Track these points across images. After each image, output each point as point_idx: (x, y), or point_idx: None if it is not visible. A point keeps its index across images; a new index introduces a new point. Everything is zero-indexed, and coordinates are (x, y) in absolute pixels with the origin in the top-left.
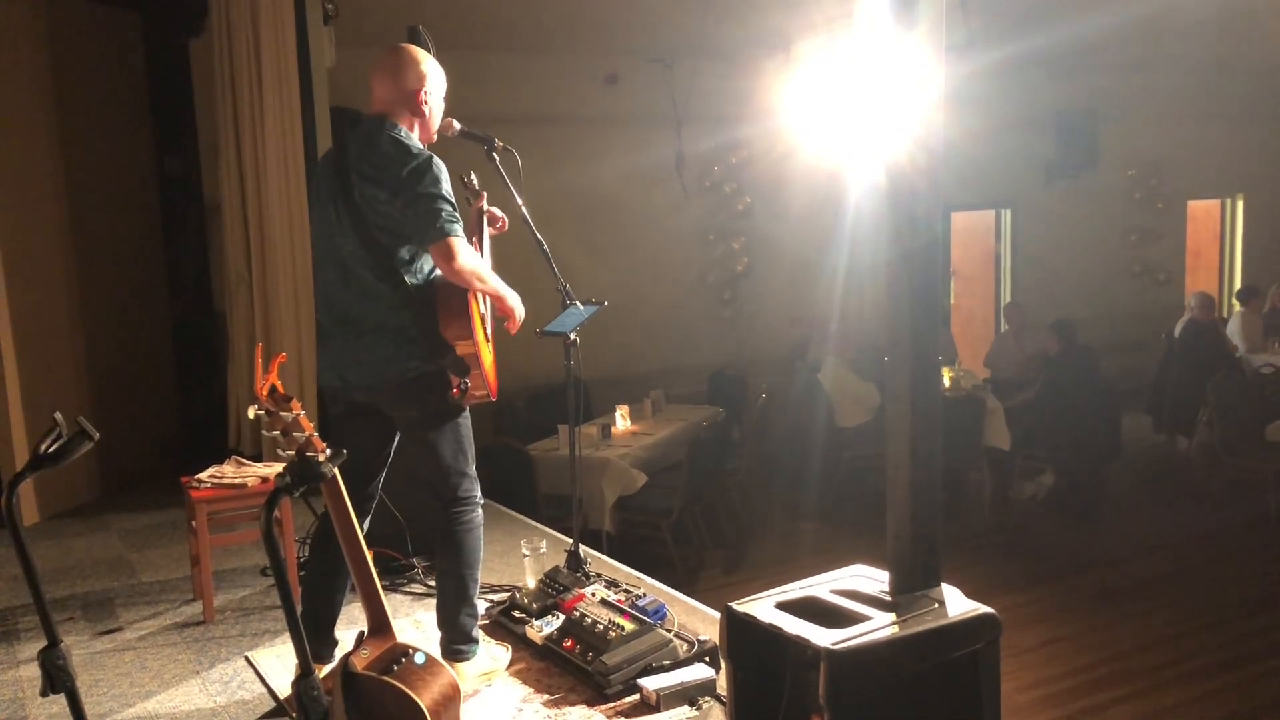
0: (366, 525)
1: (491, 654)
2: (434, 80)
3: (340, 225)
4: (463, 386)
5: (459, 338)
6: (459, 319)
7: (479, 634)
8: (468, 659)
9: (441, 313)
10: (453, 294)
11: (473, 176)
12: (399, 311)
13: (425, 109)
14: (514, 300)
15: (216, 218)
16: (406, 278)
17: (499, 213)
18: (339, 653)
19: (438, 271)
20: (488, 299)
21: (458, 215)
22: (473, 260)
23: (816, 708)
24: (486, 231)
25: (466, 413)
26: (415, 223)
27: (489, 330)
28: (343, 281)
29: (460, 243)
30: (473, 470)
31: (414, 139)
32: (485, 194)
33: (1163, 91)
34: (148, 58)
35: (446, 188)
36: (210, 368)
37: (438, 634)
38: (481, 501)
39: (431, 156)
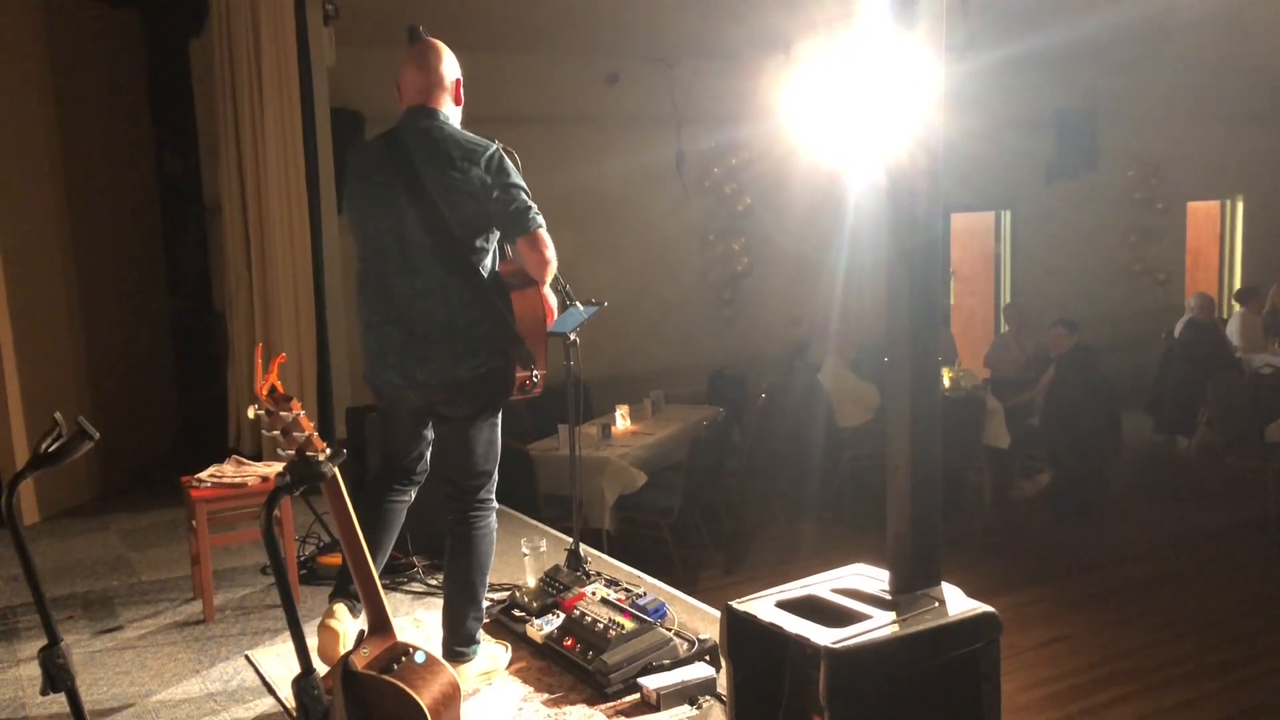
0: (413, 494)
1: (491, 654)
2: (460, 77)
3: (405, 221)
4: (533, 379)
5: (532, 334)
6: (534, 313)
7: (481, 635)
8: (469, 660)
9: (517, 306)
10: (529, 290)
11: None
12: (469, 306)
13: (461, 98)
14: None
15: (216, 218)
16: (478, 269)
17: None
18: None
19: (495, 265)
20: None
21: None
22: (553, 253)
23: (816, 707)
24: None
25: (500, 416)
26: (502, 214)
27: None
28: (406, 274)
29: (546, 235)
30: (495, 471)
31: (464, 129)
32: None
33: (1163, 91)
34: (148, 58)
35: (522, 178)
36: (210, 368)
37: (438, 632)
38: (496, 506)
39: (498, 147)
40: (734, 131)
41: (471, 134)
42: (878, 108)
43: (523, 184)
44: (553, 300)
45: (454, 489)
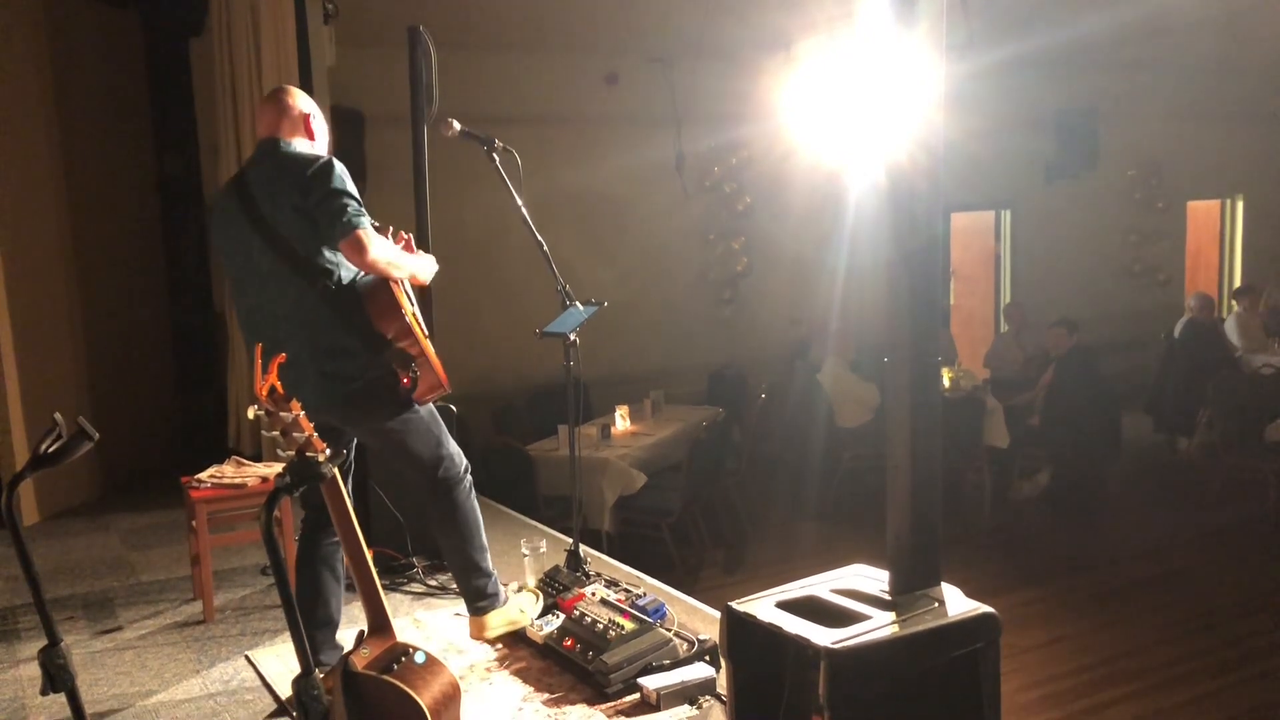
0: None
1: (520, 604)
2: (318, 115)
3: (254, 250)
4: (413, 375)
5: (395, 333)
6: (390, 314)
7: (500, 589)
8: (492, 610)
9: (372, 311)
10: (378, 291)
11: None
12: (329, 322)
13: (314, 133)
14: (427, 268)
15: None
16: (328, 283)
17: (405, 233)
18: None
19: (356, 275)
20: (409, 291)
21: (363, 209)
22: (384, 250)
23: (816, 707)
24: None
25: (418, 409)
26: (323, 221)
27: (423, 324)
28: (267, 304)
29: (368, 234)
30: (451, 447)
31: (307, 149)
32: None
33: (1163, 91)
34: (148, 58)
35: (351, 185)
36: (210, 368)
37: (438, 632)
38: (464, 478)
39: (331, 158)
40: (734, 131)
41: (307, 152)
42: (878, 108)
43: (346, 189)
44: (425, 268)
45: (418, 482)
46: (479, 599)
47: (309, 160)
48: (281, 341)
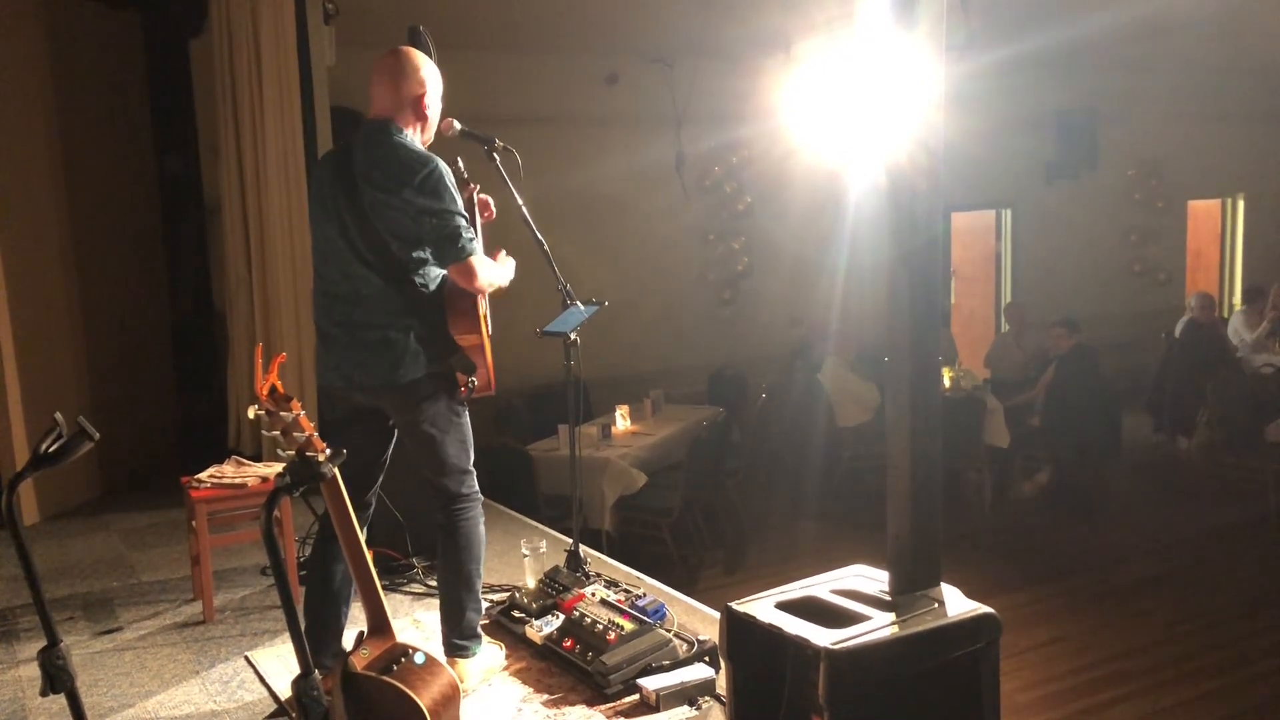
0: (364, 534)
1: (490, 652)
2: (434, 84)
3: (347, 229)
4: (470, 385)
5: (466, 335)
6: (467, 318)
7: (481, 631)
8: (472, 655)
9: (450, 313)
10: (461, 298)
11: (460, 163)
12: (407, 314)
13: (428, 113)
14: (510, 273)
15: (216, 218)
16: (416, 280)
17: (489, 199)
18: None
19: (442, 276)
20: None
21: (472, 231)
22: (489, 273)
23: (816, 708)
24: (479, 219)
25: (466, 411)
26: (434, 241)
27: (489, 327)
28: (348, 283)
29: (479, 260)
30: (472, 466)
31: (418, 144)
32: (476, 185)
33: (1163, 91)
34: (148, 58)
35: (459, 199)
36: (210, 368)
37: (438, 633)
38: (480, 499)
39: (439, 163)
40: (734, 131)
41: (419, 150)
42: (878, 108)
43: (457, 209)
44: (508, 274)
45: (436, 490)
46: (466, 636)
47: (416, 165)
48: (355, 322)
